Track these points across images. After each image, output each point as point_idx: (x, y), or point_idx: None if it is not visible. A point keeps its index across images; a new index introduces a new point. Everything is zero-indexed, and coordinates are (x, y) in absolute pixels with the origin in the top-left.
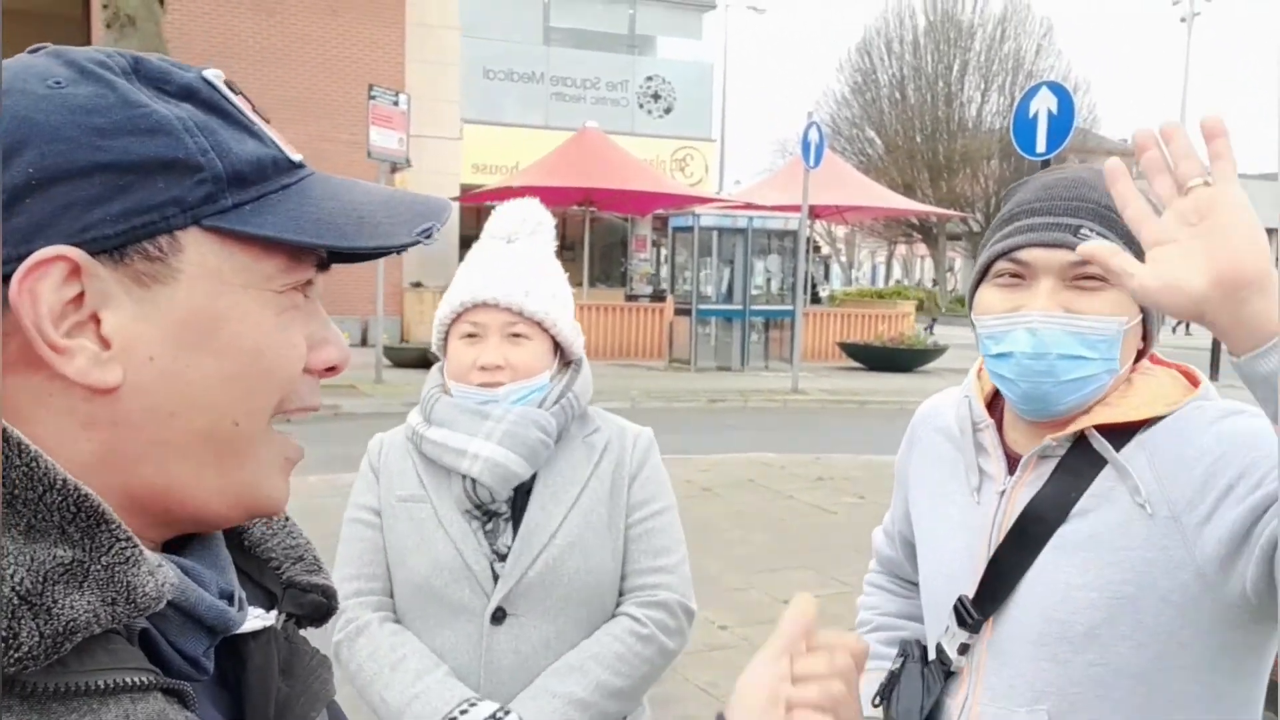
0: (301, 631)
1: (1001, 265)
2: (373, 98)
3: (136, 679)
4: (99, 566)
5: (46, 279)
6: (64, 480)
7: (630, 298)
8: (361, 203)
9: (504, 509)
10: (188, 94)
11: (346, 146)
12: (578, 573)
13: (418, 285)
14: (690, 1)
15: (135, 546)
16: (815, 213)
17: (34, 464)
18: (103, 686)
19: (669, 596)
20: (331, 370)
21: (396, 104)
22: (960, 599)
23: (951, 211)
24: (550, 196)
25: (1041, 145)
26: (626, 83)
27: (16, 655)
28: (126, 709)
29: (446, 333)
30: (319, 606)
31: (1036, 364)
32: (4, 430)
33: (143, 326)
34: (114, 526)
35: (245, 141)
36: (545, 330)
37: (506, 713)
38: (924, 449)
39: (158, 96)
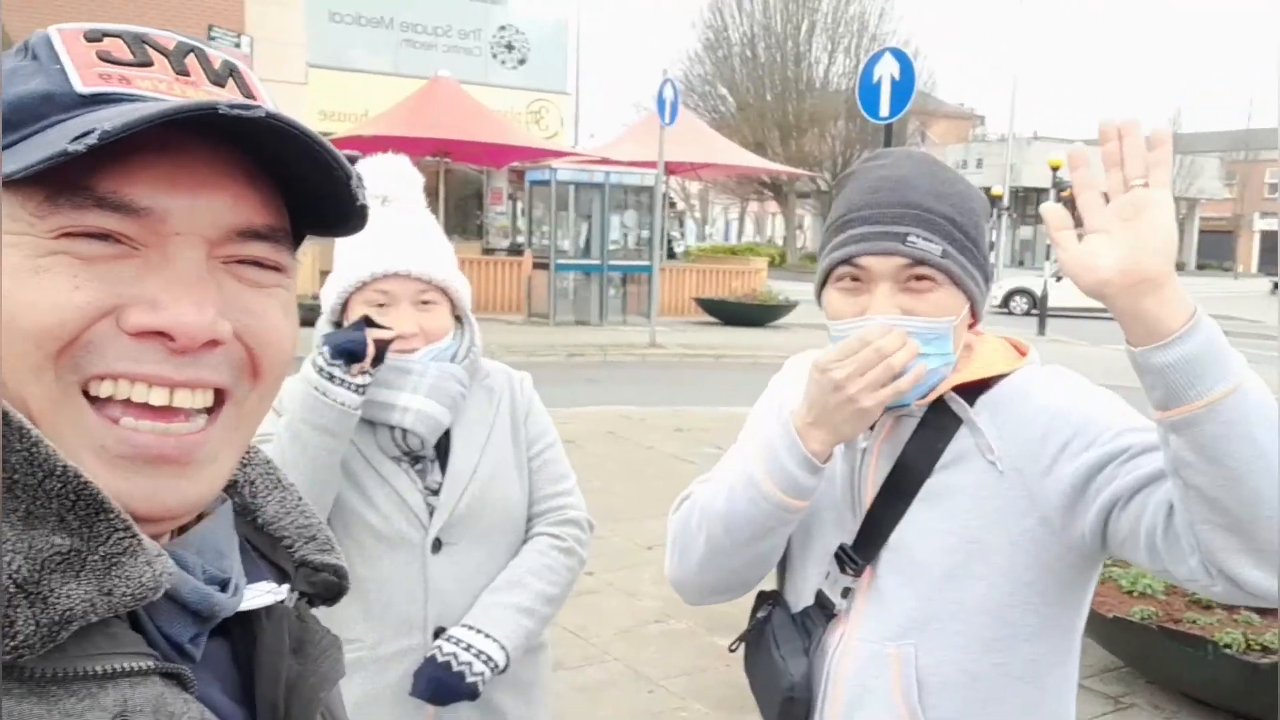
0: (313, 610)
1: (842, 270)
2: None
3: (134, 664)
4: (96, 556)
5: None
6: (64, 467)
7: (487, 251)
8: (104, 118)
9: (431, 452)
10: (34, 53)
11: None
12: (498, 501)
13: None
14: None
15: (134, 536)
16: (670, 169)
17: (34, 449)
18: (100, 672)
19: (576, 514)
20: (161, 337)
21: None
22: (842, 546)
23: (801, 170)
24: (403, 146)
25: (885, 109)
26: (479, 32)
27: (13, 644)
28: (125, 693)
29: (347, 299)
30: (330, 585)
31: None
32: (4, 414)
33: None
34: (113, 516)
35: (28, 81)
36: (447, 294)
37: None
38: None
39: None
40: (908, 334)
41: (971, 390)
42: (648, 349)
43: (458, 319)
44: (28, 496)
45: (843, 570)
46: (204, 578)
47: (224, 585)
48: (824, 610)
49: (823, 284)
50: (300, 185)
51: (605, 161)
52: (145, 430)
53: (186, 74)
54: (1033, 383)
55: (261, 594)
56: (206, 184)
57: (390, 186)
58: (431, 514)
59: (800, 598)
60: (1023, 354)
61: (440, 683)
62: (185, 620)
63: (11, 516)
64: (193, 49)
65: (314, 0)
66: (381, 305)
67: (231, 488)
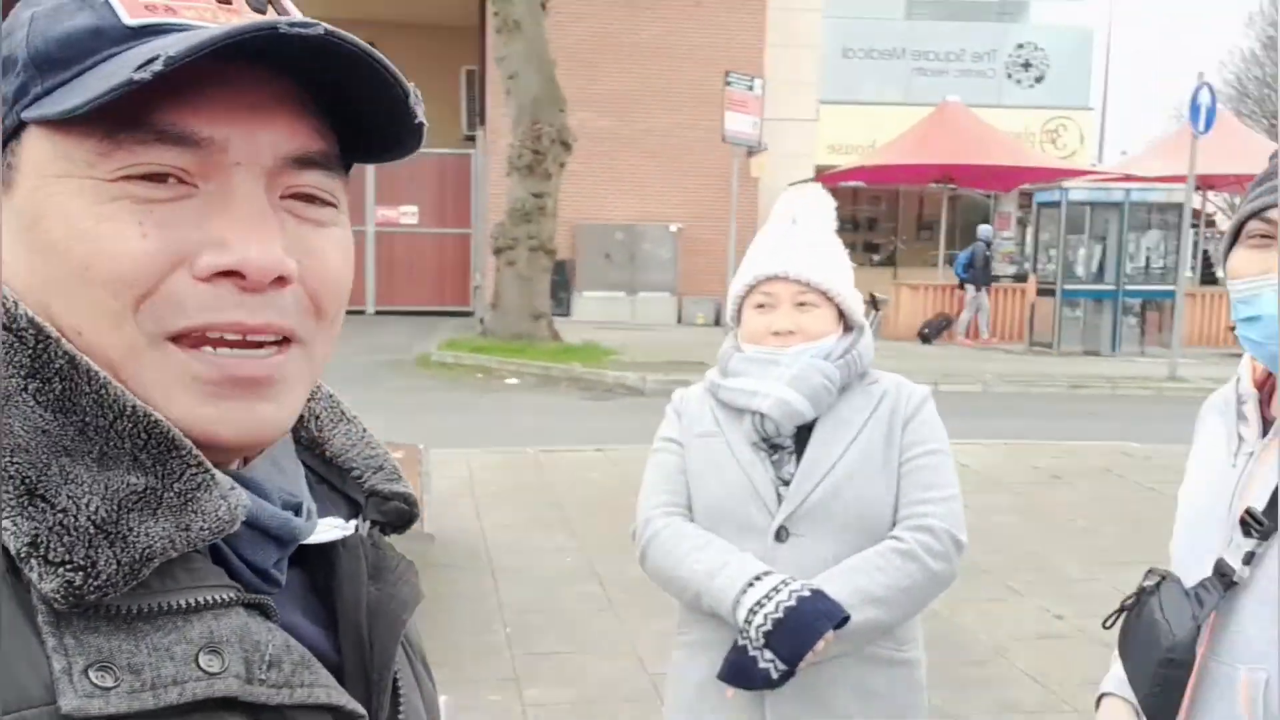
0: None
1: (1253, 225)
2: (728, 84)
3: (217, 596)
4: (172, 493)
5: None
6: (134, 406)
7: (993, 278)
8: (163, 46)
9: (788, 443)
10: None
11: (705, 132)
12: (854, 500)
13: None
14: None
15: (207, 471)
16: (1211, 183)
17: (103, 391)
18: (185, 605)
19: (935, 523)
20: (233, 276)
21: (751, 89)
22: (1248, 510)
23: None
24: (906, 174)
25: None
26: (994, 53)
27: (96, 584)
28: (209, 625)
29: (740, 304)
30: (401, 513)
31: None
32: (73, 357)
33: (12, 237)
34: (185, 452)
35: (74, 16)
36: (830, 299)
37: (786, 582)
38: (1202, 430)
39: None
40: None
41: None
42: (1165, 383)
43: (849, 329)
44: (100, 438)
45: (1247, 533)
46: (279, 504)
47: (297, 510)
48: (1223, 579)
49: (1230, 246)
50: (352, 108)
51: (1127, 178)
52: (227, 356)
53: (229, 1)
54: None
55: (331, 529)
56: (262, 111)
57: (800, 211)
58: (780, 503)
59: (1196, 575)
60: None
61: (735, 666)
62: (268, 546)
63: (86, 459)
64: None
65: (830, 39)
66: (764, 306)
67: (299, 423)
